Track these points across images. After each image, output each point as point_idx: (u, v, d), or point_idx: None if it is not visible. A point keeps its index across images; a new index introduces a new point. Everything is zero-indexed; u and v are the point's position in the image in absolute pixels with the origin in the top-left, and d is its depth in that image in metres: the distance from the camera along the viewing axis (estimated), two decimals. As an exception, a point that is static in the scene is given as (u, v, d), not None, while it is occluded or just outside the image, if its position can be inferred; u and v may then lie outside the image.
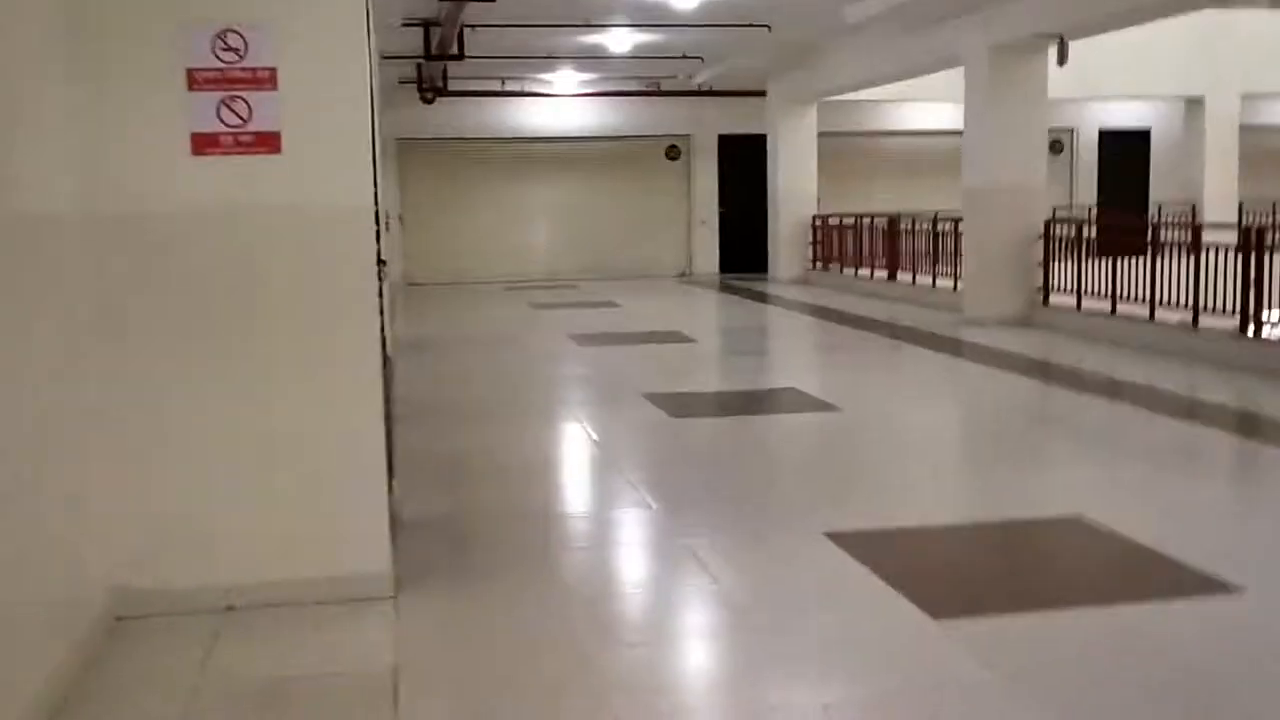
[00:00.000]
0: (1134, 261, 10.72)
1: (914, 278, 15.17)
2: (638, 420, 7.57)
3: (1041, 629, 3.79)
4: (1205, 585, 4.13)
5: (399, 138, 19.64)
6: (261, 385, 4.03)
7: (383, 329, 4.39)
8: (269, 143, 3.96)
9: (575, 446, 6.93)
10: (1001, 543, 4.84)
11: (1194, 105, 19.63)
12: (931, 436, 7.15)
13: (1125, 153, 22.18)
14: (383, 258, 4.88)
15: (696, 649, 3.95)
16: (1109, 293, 11.03)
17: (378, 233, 4.72)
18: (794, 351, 11.59)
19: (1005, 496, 5.56)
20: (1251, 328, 9.15)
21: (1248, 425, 7.35)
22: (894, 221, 16.11)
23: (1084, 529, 4.88)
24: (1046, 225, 12.09)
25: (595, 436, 7.01)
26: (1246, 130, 19.92)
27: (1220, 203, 19.41)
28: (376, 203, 4.69)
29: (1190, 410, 7.71)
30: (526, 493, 5.75)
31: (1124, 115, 21.77)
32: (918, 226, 15.48)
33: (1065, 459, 6.49)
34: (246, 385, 4.02)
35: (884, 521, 4.99)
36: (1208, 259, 9.59)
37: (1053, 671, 3.48)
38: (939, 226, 14.89)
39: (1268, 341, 9.02)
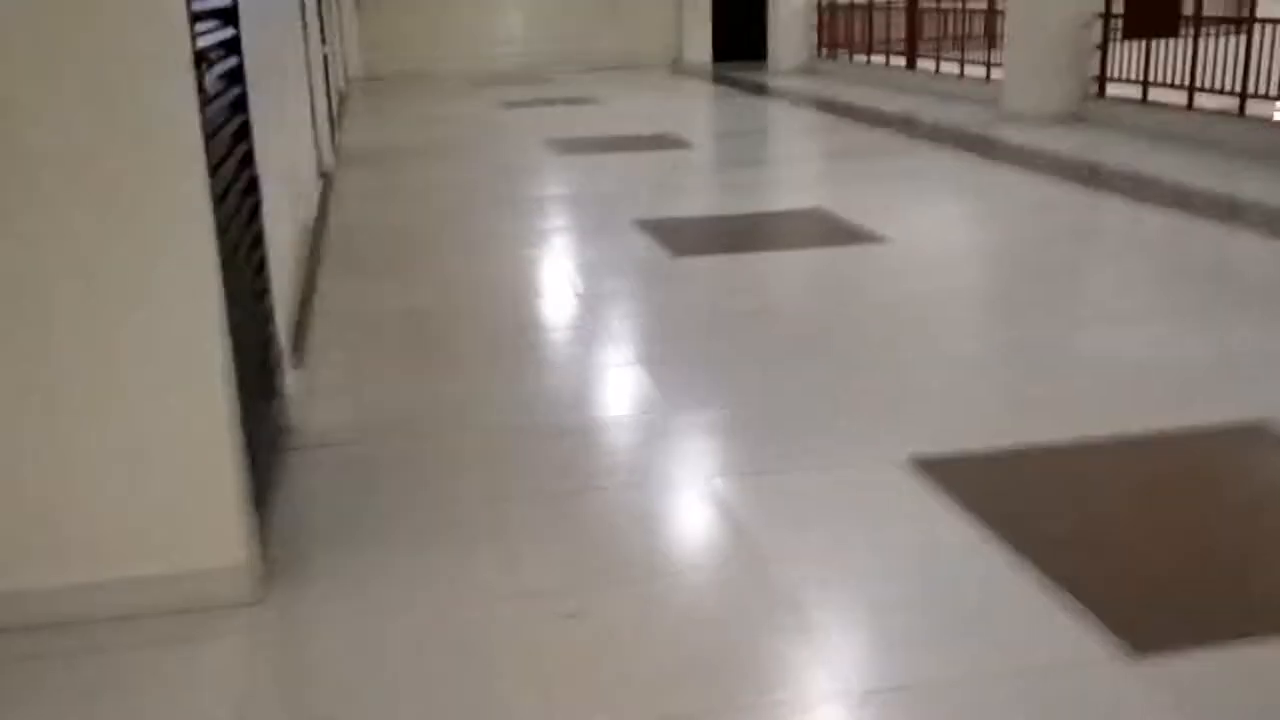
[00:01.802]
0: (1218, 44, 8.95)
1: (937, 66, 13.27)
2: (630, 261, 5.97)
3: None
4: None
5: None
6: (32, 312, 2.42)
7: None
8: None
9: (552, 305, 5.33)
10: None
11: None
12: (1019, 282, 5.59)
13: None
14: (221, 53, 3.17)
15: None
16: (1184, 81, 9.28)
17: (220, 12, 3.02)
18: (809, 159, 9.85)
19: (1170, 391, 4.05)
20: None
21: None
22: (914, 1, 14.06)
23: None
24: (1107, 1, 10.18)
25: (579, 288, 5.40)
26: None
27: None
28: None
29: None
30: (481, 385, 4.19)
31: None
32: (943, 4, 13.47)
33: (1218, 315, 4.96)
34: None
35: (1002, 438, 3.48)
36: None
37: None
38: (969, 4, 12.91)
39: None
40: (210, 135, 2.58)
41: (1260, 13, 8.77)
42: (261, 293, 3.48)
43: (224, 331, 2.54)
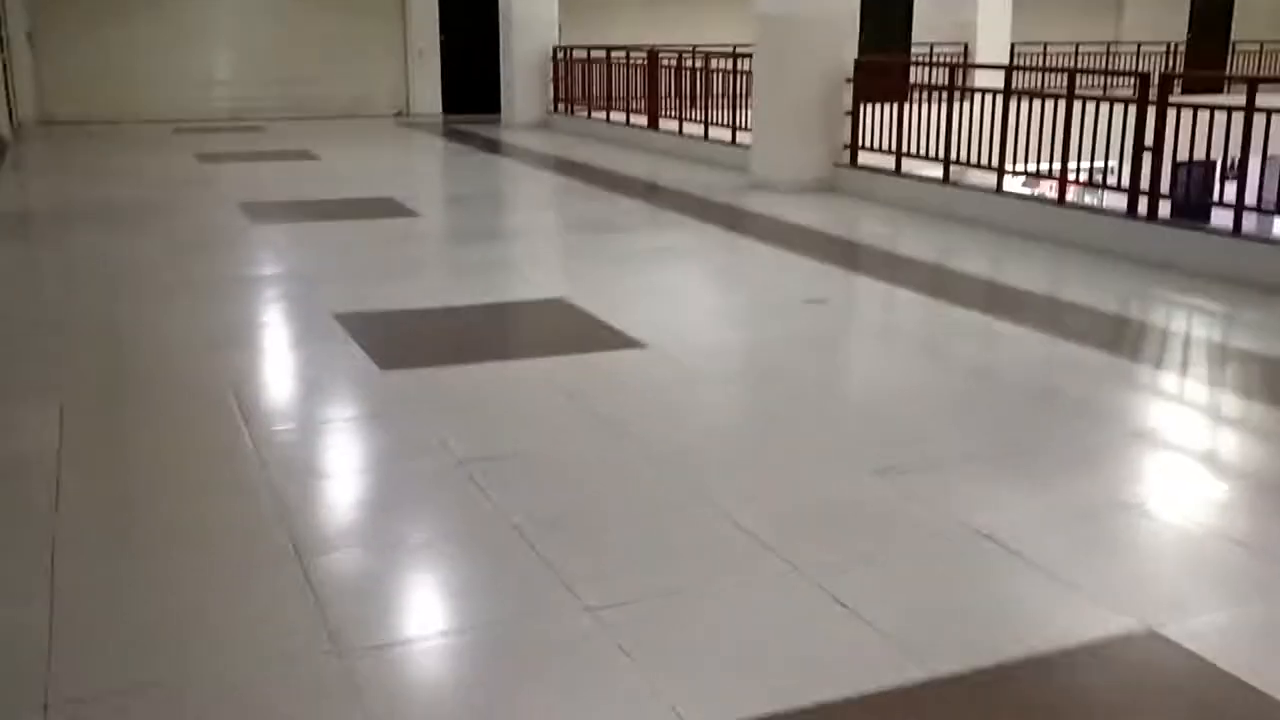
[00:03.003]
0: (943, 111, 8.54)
1: (680, 126, 12.60)
2: (327, 380, 4.72)
3: None
4: None
5: (23, -73, 15.13)
6: None
7: None
8: None
9: (207, 468, 4.00)
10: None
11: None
12: (799, 409, 4.68)
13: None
14: None
15: None
16: (938, 152, 8.84)
17: None
18: (549, 232, 8.81)
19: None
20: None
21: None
22: (654, 56, 13.40)
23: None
24: (858, 67, 9.69)
25: (250, 441, 4.06)
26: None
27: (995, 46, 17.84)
28: None
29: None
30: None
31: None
32: (687, 63, 12.85)
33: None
34: None
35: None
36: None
37: None
38: (712, 63, 12.32)
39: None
40: None
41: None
42: None
43: None
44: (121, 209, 8.95)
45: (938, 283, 6.65)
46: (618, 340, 5.20)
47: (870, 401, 4.54)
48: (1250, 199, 6.80)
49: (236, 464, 3.72)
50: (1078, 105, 7.62)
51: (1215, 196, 7.34)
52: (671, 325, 5.58)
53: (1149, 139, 7.16)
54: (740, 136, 11.27)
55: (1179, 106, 7.09)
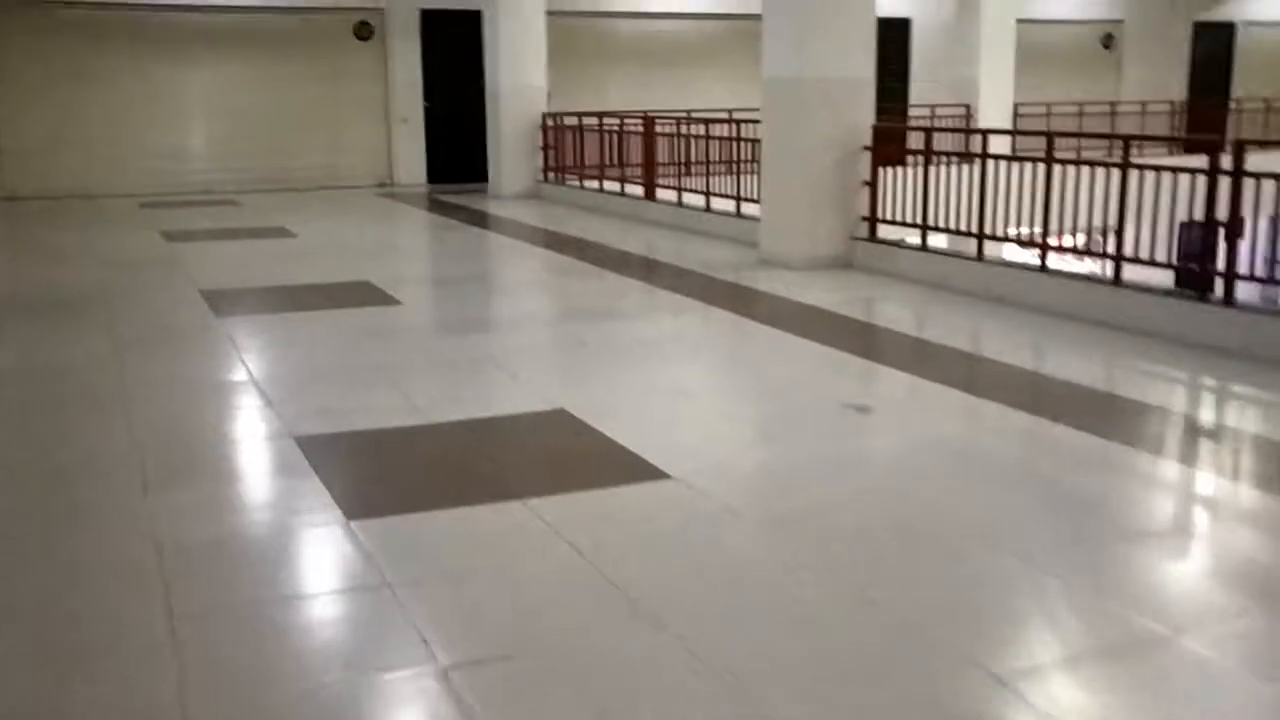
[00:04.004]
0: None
1: (679, 196, 11.84)
2: (279, 537, 3.85)
3: None
4: None
5: (-13, -1, 14.43)
6: None
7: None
8: None
9: (114, 679, 3.13)
10: None
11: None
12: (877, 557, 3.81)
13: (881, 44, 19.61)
14: None
15: None
16: (969, 225, 8.07)
17: None
18: (543, 322, 7.91)
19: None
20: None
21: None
22: (650, 123, 12.68)
23: None
24: (876, 133, 8.95)
25: (168, 635, 3.16)
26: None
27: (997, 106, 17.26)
28: None
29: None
30: None
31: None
32: (684, 130, 12.12)
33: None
34: None
35: None
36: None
37: None
38: (712, 129, 11.60)
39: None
40: None
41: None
42: None
43: None
44: (68, 298, 8.10)
45: (993, 380, 5.82)
46: (635, 468, 4.35)
47: (961, 555, 3.68)
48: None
49: (149, 675, 2.83)
50: (1133, 174, 6.86)
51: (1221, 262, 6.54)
52: (693, 443, 4.72)
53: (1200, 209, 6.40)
54: (745, 207, 10.51)
55: (1257, 176, 6.31)
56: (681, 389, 5.72)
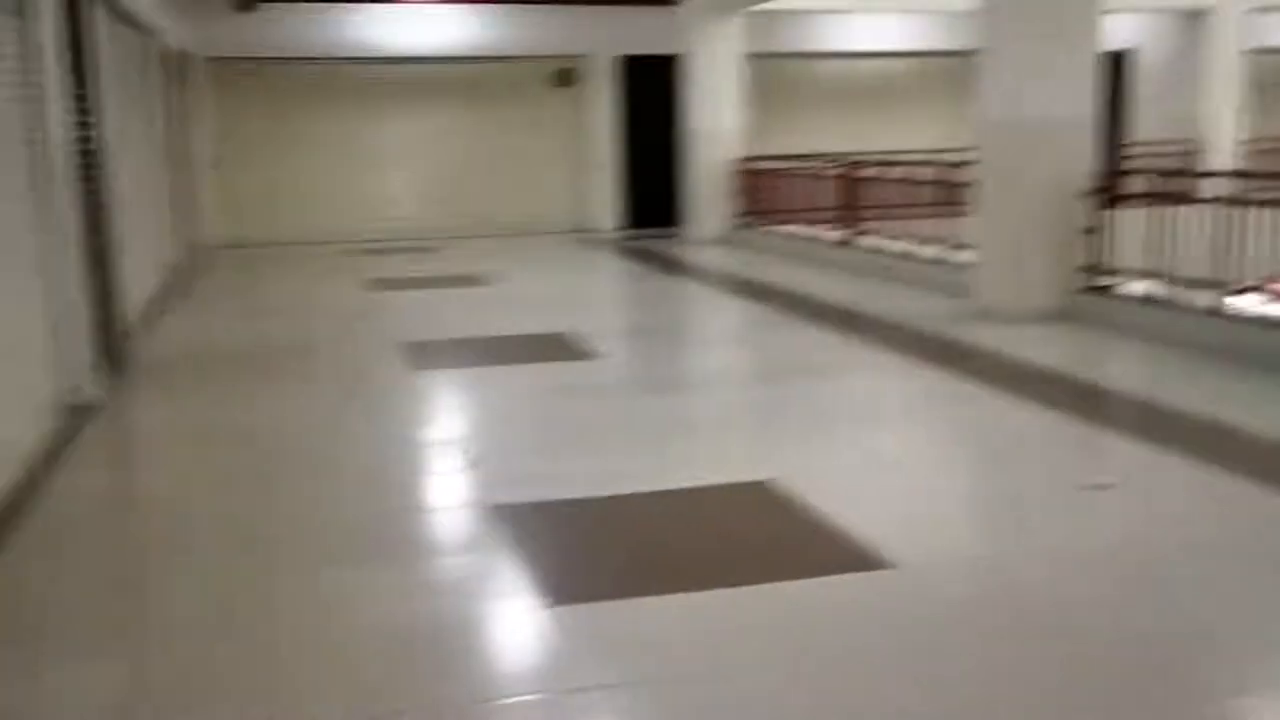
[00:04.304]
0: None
1: (883, 242, 11.36)
2: (472, 622, 3.63)
3: None
4: None
5: (210, 56, 15.17)
6: None
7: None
8: None
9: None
10: None
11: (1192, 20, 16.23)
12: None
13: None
14: None
15: None
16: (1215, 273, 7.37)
17: None
18: (741, 377, 7.59)
19: None
20: None
21: None
22: (854, 166, 12.26)
23: None
24: (1101, 175, 8.32)
25: None
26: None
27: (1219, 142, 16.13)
28: None
29: None
30: None
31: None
32: (888, 173, 11.66)
33: None
34: None
35: None
36: None
37: None
38: (919, 173, 11.11)
39: None
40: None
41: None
42: None
43: None
44: (277, 349, 8.24)
45: (1245, 454, 5.19)
46: (852, 554, 3.97)
47: (1241, 676, 3.16)
48: None
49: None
50: None
51: None
52: (913, 526, 4.31)
53: None
54: (956, 255, 9.98)
55: None
56: (894, 459, 5.30)
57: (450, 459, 5.41)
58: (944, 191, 10.71)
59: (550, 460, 5.28)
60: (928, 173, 10.93)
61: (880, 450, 5.42)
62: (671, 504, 4.64)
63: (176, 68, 13.62)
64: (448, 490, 4.98)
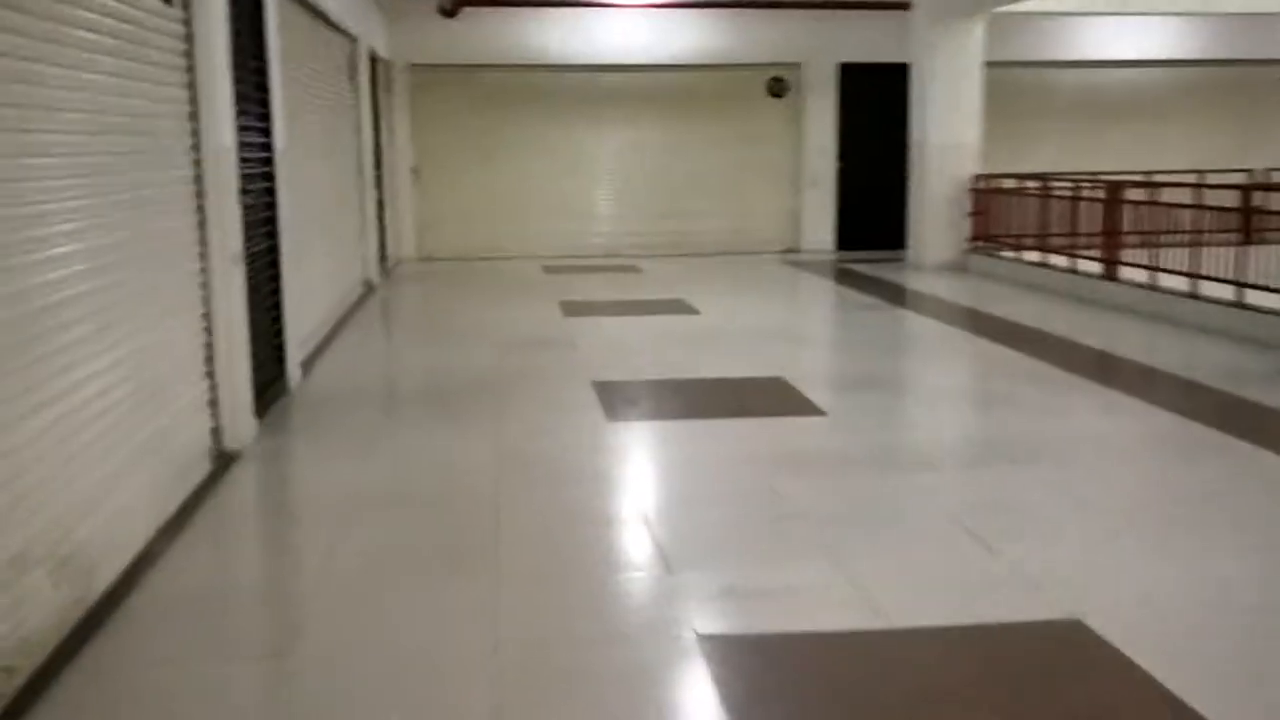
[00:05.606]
0: None
1: (1152, 276, 9.71)
2: None
3: None
4: None
5: (413, 63, 14.63)
6: None
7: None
8: None
9: None
10: None
11: None
12: None
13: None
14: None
15: None
16: None
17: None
18: (1010, 449, 5.99)
19: None
20: None
21: None
22: (1116, 188, 10.62)
23: None
24: None
25: None
26: None
27: None
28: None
29: None
30: None
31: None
32: (1161, 196, 9.99)
33: None
34: None
35: None
36: None
37: None
38: (1202, 196, 9.43)
39: None
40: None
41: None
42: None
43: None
44: (456, 388, 7.30)
45: None
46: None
47: None
48: None
49: None
50: None
51: None
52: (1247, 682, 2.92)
53: None
54: (1252, 296, 8.31)
55: None
56: (1242, 588, 3.87)
57: (643, 550, 4.27)
58: (1232, 219, 9.04)
59: (772, 566, 4.07)
60: (1221, 198, 9.24)
61: (1212, 571, 3.99)
62: (946, 650, 3.36)
63: (379, 75, 13.09)
64: (639, 608, 3.83)
